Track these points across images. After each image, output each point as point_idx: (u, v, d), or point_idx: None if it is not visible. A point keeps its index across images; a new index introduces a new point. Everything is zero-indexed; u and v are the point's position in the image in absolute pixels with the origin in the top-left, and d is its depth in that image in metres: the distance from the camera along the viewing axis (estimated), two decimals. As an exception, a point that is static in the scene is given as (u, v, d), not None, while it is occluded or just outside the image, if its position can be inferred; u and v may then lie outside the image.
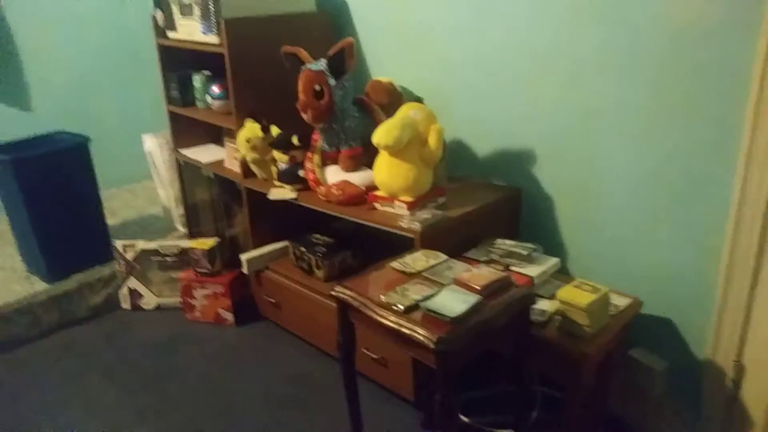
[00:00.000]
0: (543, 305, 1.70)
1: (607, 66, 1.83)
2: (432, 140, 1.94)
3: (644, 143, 1.80)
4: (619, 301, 1.75)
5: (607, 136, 1.88)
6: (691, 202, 1.73)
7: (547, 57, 1.97)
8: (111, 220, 3.10)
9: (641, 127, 1.79)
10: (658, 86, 1.72)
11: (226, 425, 2.08)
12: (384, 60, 2.54)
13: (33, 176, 2.63)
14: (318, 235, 2.48)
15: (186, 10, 2.45)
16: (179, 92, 2.78)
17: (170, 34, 2.63)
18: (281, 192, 2.34)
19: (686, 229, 1.76)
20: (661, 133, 1.75)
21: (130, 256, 2.79)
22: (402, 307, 1.46)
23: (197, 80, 2.72)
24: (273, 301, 2.55)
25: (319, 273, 2.38)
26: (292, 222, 2.51)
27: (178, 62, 2.78)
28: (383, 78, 2.26)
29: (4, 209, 2.83)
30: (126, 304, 2.86)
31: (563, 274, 1.98)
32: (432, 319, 1.41)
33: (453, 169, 2.29)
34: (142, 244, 2.79)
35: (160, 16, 2.64)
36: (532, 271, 1.83)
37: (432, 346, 1.34)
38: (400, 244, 1.88)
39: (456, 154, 2.32)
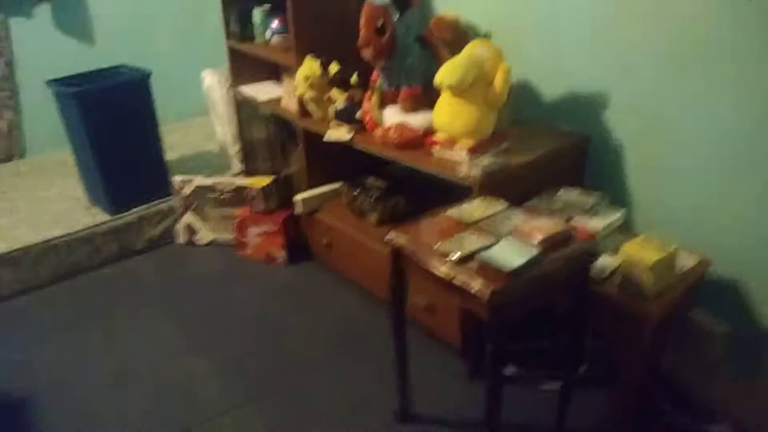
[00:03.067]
0: (605, 260, 1.61)
1: (691, 7, 1.66)
2: (498, 81, 1.83)
3: (727, 92, 1.64)
4: (687, 259, 1.64)
5: (687, 82, 1.73)
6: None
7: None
8: (169, 155, 3.14)
9: (725, 72, 1.64)
10: (747, 29, 1.55)
11: (275, 361, 2.12)
12: (450, -6, 2.40)
13: (96, 109, 2.66)
14: (372, 179, 2.43)
15: (247, -60, 2.37)
16: (239, 26, 2.73)
17: (230, -34, 2.56)
18: (337, 133, 2.28)
19: (764, 183, 1.61)
20: (747, 81, 1.59)
21: (186, 191, 2.82)
22: (457, 257, 1.40)
23: (257, 14, 2.66)
24: (324, 242, 2.54)
25: (372, 217, 2.34)
26: (347, 163, 2.46)
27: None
28: (448, 13, 2.14)
29: (69, 142, 2.89)
30: (181, 239, 2.91)
31: (629, 228, 1.87)
32: (488, 270, 1.35)
33: (518, 112, 2.16)
34: (198, 180, 2.82)
35: (220, -54, 2.57)
36: (596, 223, 1.73)
37: (486, 299, 1.29)
38: (457, 191, 1.81)
39: (522, 96, 2.19)
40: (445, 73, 1.81)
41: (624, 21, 1.85)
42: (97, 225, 2.74)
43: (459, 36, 2.07)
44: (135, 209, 2.84)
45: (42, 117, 3.34)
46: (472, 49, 1.89)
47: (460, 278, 1.35)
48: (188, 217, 2.87)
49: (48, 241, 2.62)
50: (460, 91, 1.83)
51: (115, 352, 2.20)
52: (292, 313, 2.38)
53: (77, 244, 2.68)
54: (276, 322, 2.32)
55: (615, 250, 1.65)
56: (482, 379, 1.93)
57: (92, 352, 2.20)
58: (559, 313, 1.63)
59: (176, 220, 2.89)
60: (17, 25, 3.34)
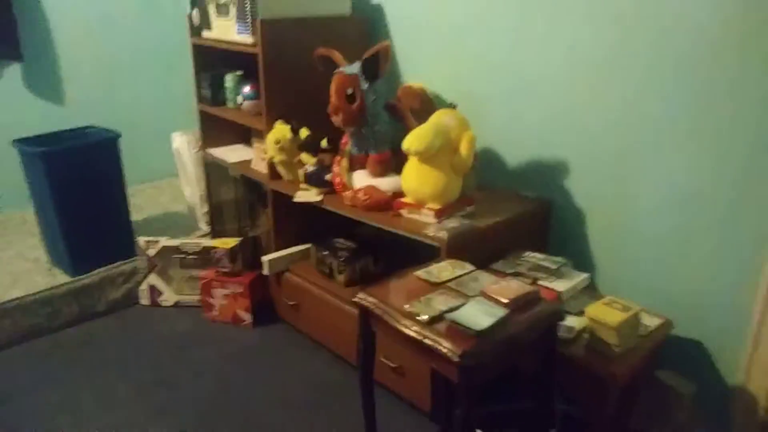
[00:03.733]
0: (571, 322, 1.65)
1: (645, 71, 1.79)
2: (464, 148, 1.91)
3: (683, 158, 1.75)
4: (650, 321, 1.70)
5: (644, 146, 1.84)
6: (731, 223, 1.68)
7: (585, 66, 1.94)
8: (135, 216, 3.11)
9: (680, 141, 1.75)
10: (700, 93, 1.67)
11: (240, 425, 2.06)
12: (417, 65, 2.52)
13: (62, 169, 2.64)
14: (341, 240, 2.46)
15: (222, 10, 2.46)
16: (210, 91, 2.79)
17: (205, 33, 2.64)
18: (307, 194, 2.32)
19: (725, 246, 1.70)
20: (701, 147, 1.70)
21: (152, 252, 2.79)
22: (426, 318, 1.42)
23: (229, 80, 2.73)
24: (292, 303, 2.53)
25: (340, 278, 2.35)
26: (315, 225, 2.49)
27: (211, 61, 2.79)
28: (415, 83, 2.24)
29: (33, 201, 2.85)
30: (145, 300, 2.86)
31: (592, 290, 1.93)
32: (457, 331, 1.37)
33: (483, 177, 2.25)
34: (164, 241, 2.79)
35: (195, 14, 2.65)
36: (561, 285, 1.78)
37: (456, 359, 1.30)
38: (424, 253, 1.84)
39: (486, 162, 2.28)
40: (413, 140, 1.88)
41: (583, 88, 1.97)
42: (56, 286, 2.67)
43: (426, 105, 2.17)
44: (97, 270, 2.78)
45: (5, 176, 3.29)
46: (438, 118, 1.97)
47: (431, 339, 1.37)
48: (153, 279, 2.82)
49: (4, 302, 2.53)
50: (426, 157, 1.89)
51: (70, 419, 2.10)
52: (258, 376, 2.33)
53: (36, 306, 2.60)
54: (242, 387, 2.27)
55: (580, 312, 1.69)
56: (451, 443, 1.91)
57: (47, 419, 2.10)
58: (528, 375, 1.65)
59: (140, 282, 2.84)
60: (-15, 85, 3.34)
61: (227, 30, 2.46)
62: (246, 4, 2.28)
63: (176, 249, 2.79)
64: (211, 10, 2.53)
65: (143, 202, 3.57)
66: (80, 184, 2.70)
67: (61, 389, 2.26)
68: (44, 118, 3.27)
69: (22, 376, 2.34)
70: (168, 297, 2.84)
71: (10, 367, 2.40)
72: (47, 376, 2.34)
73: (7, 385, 2.28)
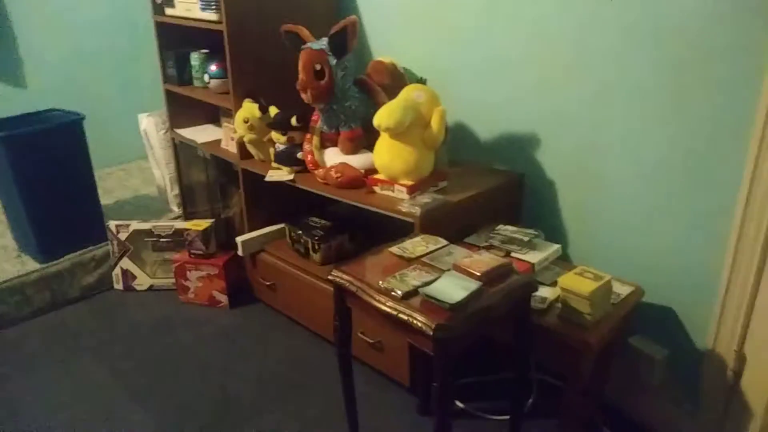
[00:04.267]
0: (544, 292, 1.67)
1: (614, 47, 1.79)
2: (435, 123, 1.90)
3: (650, 126, 1.76)
4: (621, 289, 1.72)
5: (612, 120, 1.85)
6: (697, 188, 1.70)
7: (554, 38, 1.94)
8: (105, 200, 3.06)
9: (647, 109, 1.76)
10: (666, 67, 1.68)
11: (219, 407, 2.06)
12: (387, 39, 2.49)
13: (25, 154, 2.57)
14: (315, 218, 2.44)
15: (184, -15, 2.39)
16: (176, 70, 2.72)
17: (168, 11, 2.57)
18: (278, 173, 2.30)
19: (692, 215, 1.73)
20: (668, 115, 1.72)
21: (123, 236, 2.75)
22: (400, 293, 1.43)
23: (195, 58, 2.66)
24: (268, 283, 2.52)
25: (316, 256, 2.34)
26: (289, 204, 2.47)
27: (176, 39, 2.72)
28: (385, 58, 2.21)
29: (-5, 187, 2.78)
30: (119, 285, 2.82)
31: (564, 261, 1.95)
32: (431, 305, 1.38)
33: (454, 152, 2.25)
34: (135, 225, 2.75)
35: (157, -9, 2.58)
36: (533, 257, 1.80)
37: (430, 333, 1.31)
38: (398, 229, 1.84)
39: (458, 137, 2.28)
40: (383, 116, 1.87)
41: (553, 63, 1.96)
42: (26, 274, 2.62)
43: (396, 80, 2.14)
44: (68, 256, 2.73)
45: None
46: (408, 93, 1.95)
47: (405, 313, 1.38)
48: (125, 263, 2.78)
49: (-28, 292, 2.48)
50: (398, 133, 1.88)
51: (48, 409, 2.08)
52: (236, 357, 2.32)
53: (5, 294, 2.54)
54: (220, 368, 2.27)
55: (553, 283, 1.71)
56: (432, 415, 1.94)
57: (23, 411, 2.08)
58: (503, 346, 1.67)
59: (113, 266, 2.80)
60: (-59, 68, 3.22)
61: (190, 6, 2.40)
62: (209, -21, 2.22)
63: (148, 232, 2.75)
64: (174, -15, 2.46)
65: (112, 185, 3.50)
66: (45, 168, 2.63)
67: (36, 378, 2.23)
68: (5, 102, 3.16)
69: (-6, 366, 2.31)
70: (142, 281, 2.81)
71: (-19, 357, 2.36)
72: (20, 367, 2.31)
73: (-21, 376, 2.25)
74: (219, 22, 2.27)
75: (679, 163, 1.73)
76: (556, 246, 1.88)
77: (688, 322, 1.81)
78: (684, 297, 1.80)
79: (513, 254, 1.81)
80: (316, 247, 2.32)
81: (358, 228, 2.37)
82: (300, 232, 2.38)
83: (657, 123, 1.75)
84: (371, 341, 2.06)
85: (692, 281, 1.77)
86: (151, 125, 3.06)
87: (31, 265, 2.69)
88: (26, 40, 3.41)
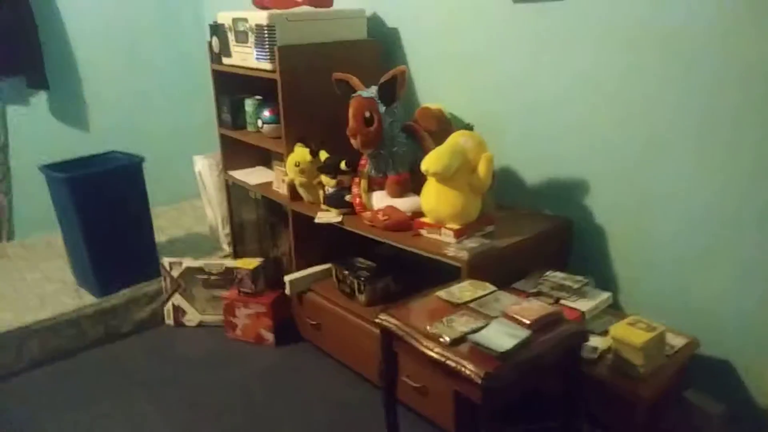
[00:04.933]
0: (594, 342, 1.64)
1: (664, 94, 1.79)
2: (482, 168, 1.92)
3: (706, 172, 1.74)
4: (675, 341, 1.68)
5: (666, 164, 1.83)
6: (756, 239, 1.66)
7: (599, 84, 1.95)
8: (158, 237, 3.16)
9: (703, 154, 1.74)
10: (720, 114, 1.67)
11: (264, 448, 2.07)
12: (434, 87, 2.54)
13: (87, 194, 2.70)
14: (361, 260, 2.47)
15: (241, 38, 2.51)
16: (231, 115, 2.84)
17: (225, 60, 2.70)
18: (327, 215, 2.35)
19: (746, 262, 1.69)
20: (724, 161, 1.69)
21: (175, 273, 2.84)
22: (448, 339, 1.43)
23: (249, 104, 2.78)
24: (313, 323, 2.55)
25: (361, 297, 2.36)
26: (336, 245, 2.51)
27: (231, 86, 2.84)
28: (432, 105, 2.26)
29: (59, 224, 2.92)
30: (169, 320, 2.89)
31: (615, 309, 1.91)
32: (479, 353, 1.38)
33: (501, 197, 2.26)
34: (187, 262, 2.83)
35: (215, 42, 2.71)
36: (584, 305, 1.77)
37: (479, 381, 1.31)
38: (443, 273, 1.85)
39: (505, 182, 2.29)
40: (431, 162, 1.90)
41: (601, 110, 1.97)
42: (83, 307, 2.72)
43: (443, 126, 2.18)
44: (123, 291, 2.83)
45: (32, 200, 3.38)
46: (455, 139, 1.99)
47: (453, 360, 1.37)
48: (177, 299, 2.86)
49: (32, 324, 2.58)
50: (445, 178, 1.91)
51: (98, 441, 2.14)
52: (281, 396, 2.34)
53: (63, 326, 2.65)
54: (265, 406, 2.29)
55: (604, 332, 1.68)
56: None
57: (75, 442, 2.14)
58: (552, 396, 1.64)
59: (164, 302, 2.88)
60: (13, 112, 3.43)
61: (246, 56, 2.51)
62: (264, 32, 2.33)
63: (199, 270, 2.83)
64: (230, 38, 2.58)
65: (166, 223, 3.62)
66: (105, 207, 2.76)
67: (87, 410, 2.30)
68: (69, 144, 3.35)
69: (49, 397, 2.38)
70: (192, 317, 2.88)
71: (37, 388, 2.45)
72: (74, 397, 2.38)
73: (34, 406, 2.32)
74: (273, 71, 2.37)
75: (736, 210, 1.69)
76: (607, 294, 1.86)
77: (748, 376, 1.74)
78: (742, 349, 1.74)
79: (562, 302, 1.80)
80: (362, 287, 2.35)
81: (403, 270, 2.39)
82: (346, 272, 2.41)
83: (711, 169, 1.72)
84: (416, 385, 2.05)
85: (751, 333, 1.71)
86: (205, 167, 3.18)
87: (87, 299, 2.79)
88: (89, 86, 3.63)
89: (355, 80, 2.20)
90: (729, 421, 1.78)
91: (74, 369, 2.58)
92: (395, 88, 2.10)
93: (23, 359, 2.55)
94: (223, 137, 2.94)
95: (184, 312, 2.88)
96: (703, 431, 1.80)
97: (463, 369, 1.35)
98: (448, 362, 1.38)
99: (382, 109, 2.11)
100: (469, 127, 2.09)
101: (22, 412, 2.30)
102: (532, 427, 2.06)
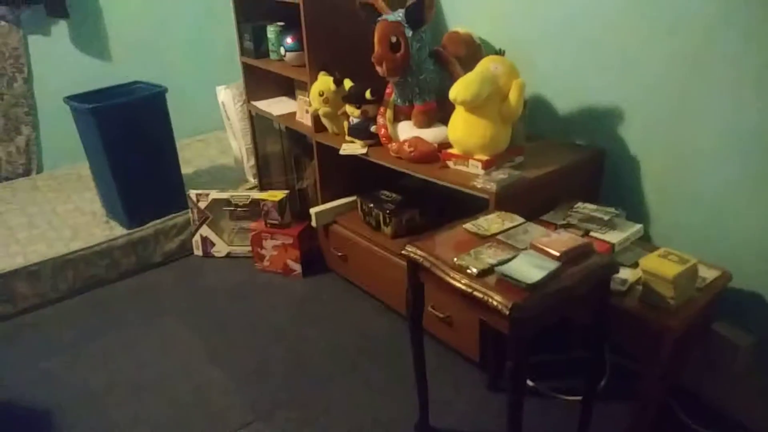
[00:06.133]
0: (624, 274, 1.62)
1: (703, 10, 1.67)
2: (513, 96, 1.85)
3: (748, 97, 1.64)
4: (707, 273, 1.65)
5: (707, 92, 1.74)
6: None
7: (640, 6, 1.83)
8: (184, 170, 3.18)
9: (745, 77, 1.64)
10: (759, 36, 1.56)
11: (293, 372, 2.13)
12: (463, 10, 2.43)
13: (112, 125, 2.70)
14: (387, 192, 2.45)
15: (261, -41, 2.41)
16: (253, 43, 2.77)
17: (245, -17, 2.60)
18: (352, 147, 2.31)
19: (788, 199, 1.62)
20: (763, 85, 1.60)
21: (203, 204, 2.86)
22: (476, 271, 1.42)
23: (271, 31, 2.69)
24: (340, 254, 2.56)
25: (387, 230, 2.36)
26: (361, 177, 2.49)
27: (253, 13, 2.76)
28: (461, 29, 2.17)
29: (86, 157, 2.94)
30: (198, 251, 2.94)
31: (646, 242, 1.88)
32: (507, 284, 1.37)
33: (532, 126, 2.18)
34: (214, 194, 2.85)
35: (235, -36, 2.61)
36: (614, 237, 1.74)
37: (507, 312, 1.30)
38: (471, 205, 1.82)
39: (536, 111, 2.21)
40: (460, 89, 1.83)
41: (642, 33, 1.86)
42: (114, 239, 2.78)
43: (472, 52, 2.10)
44: (152, 223, 2.87)
45: (58, 132, 3.40)
46: (485, 65, 1.91)
47: (481, 291, 1.37)
48: (204, 230, 2.90)
49: (66, 254, 2.65)
50: (474, 106, 1.85)
51: (135, 363, 2.22)
52: (309, 325, 2.39)
53: (95, 257, 2.71)
54: (293, 334, 2.34)
55: (634, 264, 1.66)
56: (501, 391, 1.94)
57: (113, 363, 2.23)
58: (579, 326, 1.64)
59: (193, 234, 2.92)
60: (35, 43, 3.40)
61: (268, -21, 2.42)
62: (286, -49, 2.23)
63: (226, 201, 2.85)
64: (252, -41, 2.48)
65: (191, 155, 3.63)
66: (131, 138, 2.76)
67: (123, 335, 2.38)
68: (92, 75, 3.32)
69: (86, 323, 2.47)
70: (220, 248, 2.92)
71: (74, 315, 2.54)
72: (109, 323, 2.47)
73: (73, 332, 2.42)
74: (296, -5, 2.29)
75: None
76: (638, 226, 1.81)
77: (780, 309, 1.72)
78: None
79: (592, 233, 1.76)
80: (387, 220, 2.34)
81: (429, 203, 2.37)
82: (371, 205, 2.39)
83: (753, 93, 1.63)
84: (441, 316, 2.07)
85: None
86: (228, 97, 3.14)
87: (118, 230, 2.85)
88: (110, 15, 3.56)
89: (380, 3, 2.10)
90: (757, 354, 1.76)
91: (109, 297, 2.66)
92: (423, 11, 2.00)
93: (59, 288, 2.64)
94: (245, 66, 2.88)
95: (212, 243, 2.92)
96: (730, 362, 1.80)
97: (490, 300, 1.34)
98: (476, 293, 1.37)
99: (409, 33, 2.02)
100: (500, 53, 2.00)
101: (61, 335, 2.40)
102: (557, 357, 2.08)
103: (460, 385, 2.02)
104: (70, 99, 2.77)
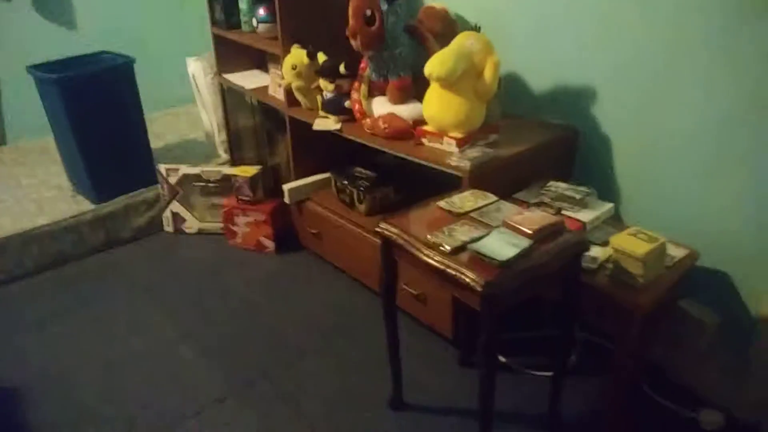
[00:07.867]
0: (595, 252, 1.64)
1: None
2: (488, 73, 1.84)
3: (720, 81, 1.66)
4: (675, 252, 1.67)
5: (677, 73, 1.75)
6: (761, 151, 1.61)
7: (619, -14, 1.83)
8: (154, 144, 3.11)
9: (717, 61, 1.65)
10: (735, 21, 1.57)
11: (265, 346, 2.13)
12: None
13: (78, 95, 2.62)
14: (361, 169, 2.43)
15: (233, -74, 2.33)
16: (224, 14, 2.70)
17: (216, -49, 2.52)
18: (325, 122, 2.28)
19: (753, 179, 1.65)
20: (737, 71, 1.61)
21: (173, 180, 2.80)
22: (449, 248, 1.42)
23: (243, 1, 2.62)
24: (314, 231, 2.55)
25: (361, 207, 2.35)
26: (335, 153, 2.46)
27: (224, -18, 2.68)
28: (437, 4, 2.14)
29: (52, 129, 2.85)
30: (169, 227, 2.90)
31: (617, 221, 1.90)
32: (480, 261, 1.37)
33: (507, 105, 2.17)
34: (185, 169, 2.79)
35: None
36: (585, 216, 1.75)
37: (479, 289, 1.30)
38: (445, 183, 1.82)
39: (511, 89, 2.20)
40: (435, 65, 1.81)
41: (615, 11, 1.86)
42: (81, 214, 2.71)
43: (448, 27, 2.07)
44: (120, 198, 2.81)
45: (22, 104, 3.28)
46: (461, 41, 1.89)
47: (453, 269, 1.37)
48: (175, 206, 2.85)
49: (31, 230, 2.58)
50: (449, 83, 1.83)
51: (105, 341, 2.19)
52: (282, 301, 2.38)
53: (62, 233, 2.65)
54: (267, 310, 2.33)
55: (605, 242, 1.67)
56: (474, 367, 1.96)
57: (82, 341, 2.19)
58: (550, 303, 1.66)
59: (163, 209, 2.87)
60: (-5, 9, 3.27)
61: (240, -52, 2.34)
62: None
63: (197, 177, 2.80)
64: (222, -74, 2.40)
65: (161, 129, 3.55)
66: (98, 110, 2.68)
67: (92, 312, 2.34)
68: (56, 45, 3.20)
69: (54, 301, 2.42)
70: (191, 224, 2.88)
71: (41, 292, 2.49)
72: (78, 301, 2.42)
73: (41, 311, 2.37)
74: (268, -35, 2.23)
75: (742, 123, 1.63)
76: (609, 205, 1.83)
77: (743, 289, 1.76)
78: (740, 262, 1.74)
79: (564, 212, 1.77)
80: (361, 197, 2.32)
81: (403, 180, 2.36)
82: (345, 182, 2.38)
83: (722, 80, 1.65)
84: (415, 293, 2.08)
85: (751, 246, 1.70)
86: (199, 69, 3.06)
87: (85, 205, 2.78)
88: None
89: (355, -25, 2.06)
90: (721, 331, 1.81)
91: (77, 274, 2.61)
92: (398, -15, 1.97)
93: (24, 265, 2.57)
94: (216, 37, 2.80)
95: (183, 219, 2.87)
96: (695, 339, 1.84)
97: (463, 277, 1.34)
98: (449, 270, 1.38)
99: (385, 6, 1.99)
100: (476, 29, 1.98)
101: (26, 313, 2.34)
102: (528, 334, 2.11)
103: (434, 362, 2.04)
104: (34, 69, 2.67)
